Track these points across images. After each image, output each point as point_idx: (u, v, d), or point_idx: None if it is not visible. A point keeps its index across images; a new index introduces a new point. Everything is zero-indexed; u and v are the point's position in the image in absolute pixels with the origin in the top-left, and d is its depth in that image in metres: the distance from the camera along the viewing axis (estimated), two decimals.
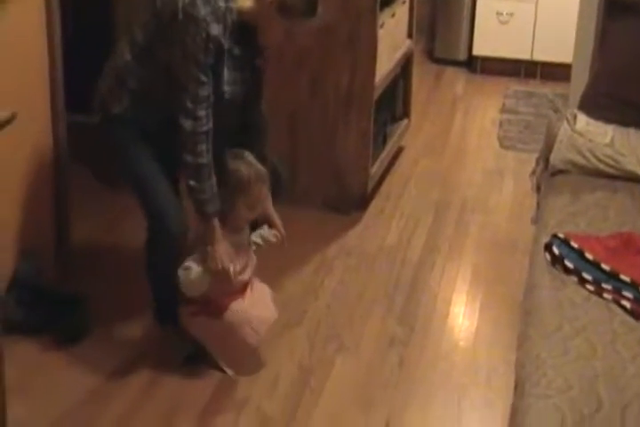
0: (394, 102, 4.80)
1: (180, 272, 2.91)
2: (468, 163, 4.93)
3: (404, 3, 4.62)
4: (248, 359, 3.10)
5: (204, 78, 2.73)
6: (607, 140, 3.36)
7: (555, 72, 5.94)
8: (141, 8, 2.97)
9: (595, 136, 3.38)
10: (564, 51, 5.12)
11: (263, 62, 3.02)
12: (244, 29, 2.82)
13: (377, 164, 4.35)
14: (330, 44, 4.03)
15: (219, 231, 2.87)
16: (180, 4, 2.71)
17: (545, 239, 2.85)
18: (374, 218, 4.22)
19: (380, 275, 3.73)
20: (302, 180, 4.17)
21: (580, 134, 3.40)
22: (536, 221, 3.33)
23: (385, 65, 4.29)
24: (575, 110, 3.57)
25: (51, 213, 3.49)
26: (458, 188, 4.60)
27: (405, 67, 4.83)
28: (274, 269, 3.23)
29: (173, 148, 2.84)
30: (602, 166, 3.32)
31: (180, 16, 2.70)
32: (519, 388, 2.26)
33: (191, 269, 2.90)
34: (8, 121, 2.67)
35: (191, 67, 2.72)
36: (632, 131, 3.42)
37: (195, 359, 3.11)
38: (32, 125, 3.30)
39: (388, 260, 3.85)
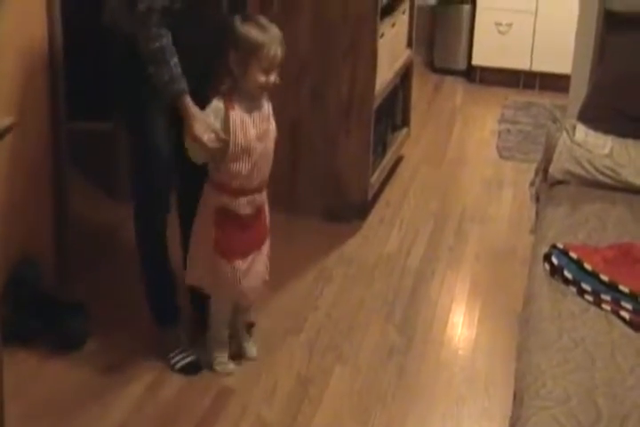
0: (393, 111, 4.81)
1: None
2: (467, 172, 4.94)
3: (403, 13, 4.64)
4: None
5: None
6: (606, 151, 3.37)
7: (553, 83, 5.95)
8: None
9: (593, 147, 3.39)
10: (562, 61, 5.13)
11: None
12: None
13: (377, 173, 4.36)
14: (330, 53, 4.04)
15: (192, 109, 2.77)
16: None
17: (544, 250, 2.86)
18: (374, 227, 4.23)
19: (379, 284, 3.73)
20: (303, 188, 4.17)
21: (579, 145, 3.41)
22: (535, 231, 3.33)
23: (385, 74, 4.30)
24: (574, 121, 3.58)
25: (50, 220, 3.49)
26: (457, 197, 4.61)
27: (405, 76, 4.84)
28: (273, 277, 3.23)
29: None
30: (601, 177, 3.33)
31: None
32: (518, 398, 2.26)
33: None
34: (8, 130, 2.67)
35: None
36: (630, 142, 3.42)
37: (194, 367, 3.11)
38: (32, 132, 3.31)
39: (387, 269, 3.85)
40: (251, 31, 2.76)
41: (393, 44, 4.45)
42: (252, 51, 2.75)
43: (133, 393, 3.00)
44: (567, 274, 2.70)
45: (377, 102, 4.18)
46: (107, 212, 4.16)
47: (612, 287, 2.61)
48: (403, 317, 3.50)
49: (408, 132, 4.99)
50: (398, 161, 4.89)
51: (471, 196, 4.62)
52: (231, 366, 3.12)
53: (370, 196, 4.27)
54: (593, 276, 2.67)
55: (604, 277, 2.65)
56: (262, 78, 2.79)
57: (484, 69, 6.31)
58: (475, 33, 6.25)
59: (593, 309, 2.57)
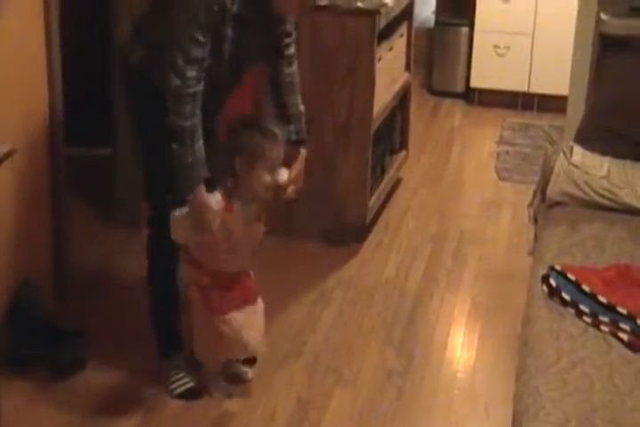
0: (392, 134, 4.82)
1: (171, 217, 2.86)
2: (465, 194, 4.95)
3: (401, 36, 4.66)
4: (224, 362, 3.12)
5: (201, 38, 2.64)
6: (603, 172, 3.38)
7: (551, 104, 5.96)
8: None
9: (591, 168, 3.40)
10: (560, 83, 5.14)
11: (289, 28, 2.98)
12: None
13: (375, 195, 4.36)
14: (328, 77, 4.06)
15: (204, 198, 2.75)
16: None
17: (542, 271, 2.86)
18: (373, 250, 4.23)
19: (378, 307, 3.73)
20: (301, 211, 4.18)
21: (577, 167, 3.42)
22: (533, 252, 3.33)
23: (383, 97, 4.32)
24: (571, 143, 3.59)
25: (49, 245, 3.50)
26: (456, 219, 4.61)
27: (403, 99, 4.86)
28: (272, 300, 3.23)
29: None
30: (598, 198, 3.33)
31: None
32: (517, 420, 2.26)
33: (179, 215, 2.84)
34: (6, 156, 2.68)
35: (190, 25, 2.63)
36: (628, 163, 3.43)
37: (192, 393, 3.10)
38: (30, 158, 3.32)
39: (386, 291, 3.85)
40: (254, 136, 2.82)
41: (391, 68, 4.47)
42: (257, 155, 2.81)
43: (133, 419, 2.99)
44: (565, 295, 2.70)
45: (375, 125, 4.20)
46: (106, 236, 4.16)
47: (610, 309, 2.61)
48: (402, 339, 3.49)
49: (406, 154, 5.00)
50: (397, 184, 4.90)
51: (470, 218, 4.62)
52: (230, 389, 3.12)
53: (368, 219, 4.27)
54: (591, 297, 2.67)
55: (602, 299, 2.65)
56: (267, 177, 2.84)
57: (482, 91, 6.33)
58: (473, 55, 6.27)
59: (591, 330, 2.57)
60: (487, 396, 3.15)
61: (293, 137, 3.03)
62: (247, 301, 3.02)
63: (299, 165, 3.03)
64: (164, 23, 2.76)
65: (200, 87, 2.70)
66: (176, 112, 2.67)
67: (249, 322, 3.01)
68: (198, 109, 2.70)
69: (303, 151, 3.06)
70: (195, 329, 3.05)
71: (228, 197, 2.83)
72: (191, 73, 2.66)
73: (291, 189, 2.98)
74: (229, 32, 2.74)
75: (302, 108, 3.09)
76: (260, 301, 3.07)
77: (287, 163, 2.96)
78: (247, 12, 2.74)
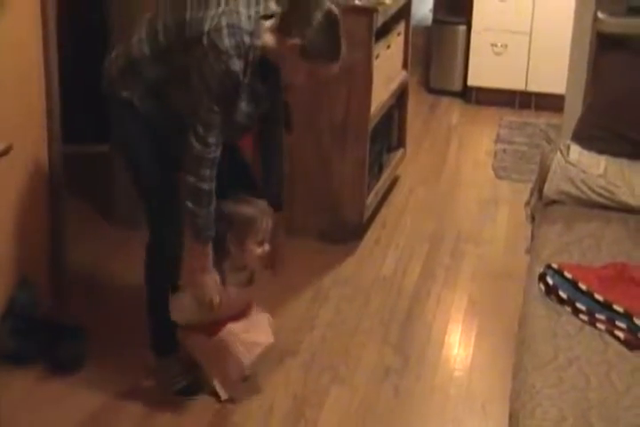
0: (389, 132, 4.83)
1: (171, 299, 2.92)
2: (463, 192, 4.95)
3: (399, 34, 4.66)
4: (241, 383, 3.10)
5: (215, 108, 2.68)
6: (600, 171, 3.38)
7: (549, 103, 5.97)
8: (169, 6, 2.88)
9: (588, 167, 3.41)
10: (557, 82, 5.16)
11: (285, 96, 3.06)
12: (267, 66, 2.78)
13: (372, 194, 4.37)
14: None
15: (210, 259, 2.85)
16: (206, 28, 2.66)
17: (539, 269, 2.86)
18: (370, 248, 4.23)
19: (375, 305, 3.73)
20: (298, 209, 4.18)
21: (574, 165, 3.42)
22: (530, 251, 3.34)
23: (380, 96, 4.32)
24: (568, 141, 3.60)
25: (46, 243, 3.50)
26: (453, 217, 4.62)
27: (401, 97, 4.86)
28: (269, 298, 3.23)
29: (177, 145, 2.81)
30: (595, 197, 3.34)
31: (205, 41, 2.65)
32: (514, 418, 2.26)
33: (179, 297, 2.92)
34: (4, 153, 2.68)
35: (204, 94, 2.68)
36: (625, 162, 3.44)
37: (190, 390, 3.10)
38: (27, 155, 3.32)
39: (383, 290, 3.86)
40: (242, 208, 2.90)
41: (388, 66, 4.47)
42: (247, 225, 2.89)
43: (131, 417, 2.99)
44: (562, 294, 2.70)
45: (372, 123, 4.20)
46: (103, 235, 4.16)
47: (606, 307, 2.62)
48: (399, 337, 3.50)
49: (404, 152, 5.01)
50: (394, 182, 4.90)
51: (467, 216, 4.63)
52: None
53: (365, 217, 4.28)
54: (588, 295, 2.67)
55: (599, 297, 2.65)
56: (258, 251, 2.92)
57: (479, 90, 6.34)
58: (470, 54, 6.29)
59: (588, 328, 2.57)
60: (484, 394, 3.15)
61: (273, 202, 3.07)
62: (239, 318, 3.05)
63: (278, 237, 3.10)
64: (168, 71, 2.81)
65: (219, 152, 2.75)
66: (196, 174, 2.73)
67: (247, 326, 3.04)
68: (215, 175, 2.76)
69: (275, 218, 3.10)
70: (205, 364, 3.08)
71: (220, 272, 2.90)
72: (211, 139, 2.71)
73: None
74: (243, 105, 2.79)
75: (285, 172, 3.16)
76: (253, 312, 3.10)
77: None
78: (257, 83, 2.78)
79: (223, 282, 2.90)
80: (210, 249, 2.84)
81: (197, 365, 3.11)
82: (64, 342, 3.24)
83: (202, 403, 3.07)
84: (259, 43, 2.72)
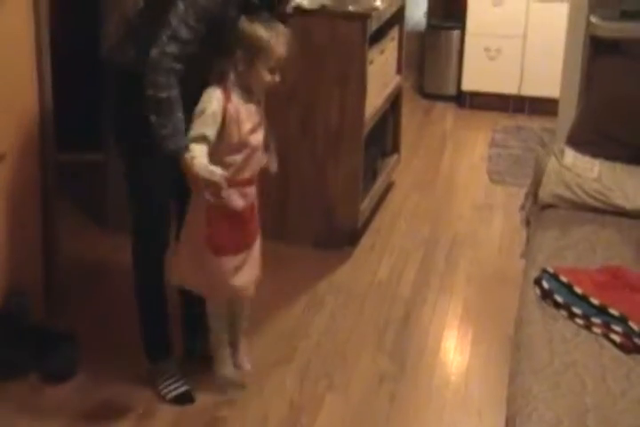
0: (383, 138, 4.83)
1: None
2: (457, 197, 4.95)
3: (393, 39, 4.67)
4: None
5: (192, 22, 2.64)
6: (594, 174, 3.38)
7: (542, 107, 5.98)
8: None
9: (582, 171, 3.40)
10: (551, 86, 5.17)
11: (288, 9, 3.00)
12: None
13: (367, 199, 4.36)
14: (319, 80, 4.06)
15: (194, 167, 2.68)
16: None
17: (534, 274, 2.86)
18: (365, 253, 4.22)
19: (370, 311, 3.72)
20: (293, 215, 4.17)
21: (568, 169, 3.42)
22: (526, 255, 3.33)
23: (374, 101, 4.32)
24: (563, 145, 3.60)
25: (39, 251, 3.48)
26: (448, 222, 4.61)
27: (395, 102, 4.86)
28: (264, 304, 3.22)
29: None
30: (590, 201, 3.34)
31: None
32: (510, 423, 2.25)
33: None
34: None
35: (185, 6, 2.63)
36: (619, 165, 3.44)
37: (186, 397, 3.09)
38: (20, 163, 3.31)
39: (378, 295, 3.85)
40: (258, 30, 2.74)
41: (382, 71, 4.47)
42: (260, 50, 2.74)
43: (125, 425, 2.97)
44: (558, 298, 2.70)
45: (367, 128, 4.20)
46: (97, 242, 4.15)
47: (602, 311, 2.61)
48: (394, 343, 3.49)
49: (398, 158, 5.00)
50: (389, 187, 4.90)
51: (462, 221, 4.62)
52: (235, 376, 3.07)
53: (360, 222, 4.27)
54: (583, 299, 2.67)
55: (595, 301, 2.64)
56: (268, 77, 2.79)
57: (473, 94, 6.35)
58: (464, 58, 6.30)
59: (584, 332, 2.56)
60: (480, 399, 3.14)
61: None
62: (247, 244, 2.94)
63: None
64: (160, 15, 2.73)
65: (178, 66, 2.67)
66: (152, 83, 2.66)
67: (242, 269, 2.93)
68: (175, 82, 2.67)
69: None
70: (181, 254, 2.95)
71: (226, 88, 2.77)
72: (171, 49, 2.64)
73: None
74: (234, 14, 2.72)
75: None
76: (258, 240, 3.00)
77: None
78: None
79: (228, 97, 2.76)
80: (187, 157, 2.69)
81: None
82: (57, 350, 3.22)
83: (196, 410, 3.05)
84: None
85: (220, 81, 2.78)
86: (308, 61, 4.03)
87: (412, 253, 4.23)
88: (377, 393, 3.17)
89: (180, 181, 2.89)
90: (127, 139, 2.96)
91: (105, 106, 3.01)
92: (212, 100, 2.74)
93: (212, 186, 2.71)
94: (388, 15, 4.41)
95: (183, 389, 3.10)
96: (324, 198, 4.19)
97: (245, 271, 2.95)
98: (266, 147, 2.99)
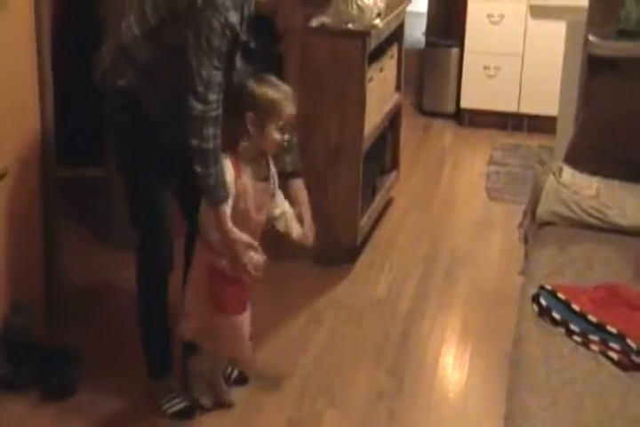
0: (383, 155, 4.84)
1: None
2: (456, 214, 4.96)
3: (391, 57, 4.69)
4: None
5: (217, 64, 2.69)
6: (592, 192, 3.40)
7: (541, 125, 6.00)
8: None
9: (580, 188, 3.42)
10: (549, 104, 5.20)
11: (282, 47, 3.05)
12: (261, 22, 2.79)
13: (366, 216, 4.37)
14: (318, 97, 4.08)
15: (228, 219, 2.81)
16: None
17: (532, 291, 2.87)
18: (364, 270, 4.23)
19: (369, 327, 3.73)
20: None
21: (566, 187, 3.44)
22: (524, 272, 3.35)
23: (374, 118, 4.34)
24: (561, 163, 3.62)
25: (41, 267, 3.49)
26: (446, 239, 4.62)
27: (394, 119, 4.88)
28: (264, 321, 3.23)
29: (172, 136, 2.82)
30: (588, 218, 3.35)
31: (199, 2, 2.66)
32: None
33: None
34: (0, 177, 2.69)
35: (206, 52, 2.67)
36: (616, 183, 3.45)
37: (186, 413, 3.10)
38: (22, 179, 3.32)
39: (377, 312, 3.85)
40: (267, 92, 2.84)
41: (381, 88, 4.49)
42: (270, 110, 2.83)
43: None
44: (555, 315, 2.71)
45: (366, 146, 4.22)
46: (99, 259, 4.16)
47: (600, 328, 2.62)
48: (393, 360, 3.49)
49: (397, 175, 5.02)
50: (388, 204, 4.92)
51: (460, 238, 4.64)
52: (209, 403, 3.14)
53: (359, 239, 4.28)
54: (581, 316, 2.68)
55: (592, 318, 2.66)
56: (278, 136, 2.87)
57: (472, 112, 6.37)
58: (463, 76, 6.31)
59: (581, 349, 2.57)
60: (479, 416, 3.15)
61: (289, 168, 3.08)
62: (243, 305, 3.01)
63: (304, 202, 3.14)
64: (159, 51, 2.82)
65: (220, 110, 2.74)
66: (199, 135, 2.72)
67: (243, 327, 3.01)
68: (219, 132, 2.75)
69: (299, 183, 3.12)
70: (190, 311, 3.01)
71: (237, 160, 2.85)
72: (212, 97, 2.71)
73: (307, 233, 3.14)
74: (237, 61, 2.80)
75: (296, 139, 3.13)
76: (248, 310, 3.07)
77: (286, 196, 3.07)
78: (252, 39, 2.80)
79: (239, 174, 2.84)
80: (226, 210, 2.80)
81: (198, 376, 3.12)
82: (58, 367, 3.22)
83: (198, 425, 3.06)
84: None
85: (231, 151, 2.86)
86: (307, 79, 4.05)
87: (411, 270, 4.25)
88: (376, 409, 3.18)
89: (182, 195, 2.92)
90: (124, 157, 3.01)
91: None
92: (226, 170, 2.81)
93: (247, 249, 2.83)
94: (387, 33, 4.43)
95: (184, 404, 3.11)
96: (324, 215, 4.18)
97: (246, 331, 3.03)
98: (300, 220, 3.11)
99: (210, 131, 2.72)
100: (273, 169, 2.99)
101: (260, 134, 2.85)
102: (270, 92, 2.83)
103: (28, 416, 3.09)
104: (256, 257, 2.86)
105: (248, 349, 3.07)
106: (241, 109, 2.81)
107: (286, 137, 2.94)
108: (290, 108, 2.87)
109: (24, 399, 3.16)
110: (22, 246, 3.36)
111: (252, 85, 2.83)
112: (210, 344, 3.04)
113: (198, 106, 2.70)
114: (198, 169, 2.73)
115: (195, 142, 2.72)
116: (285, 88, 2.89)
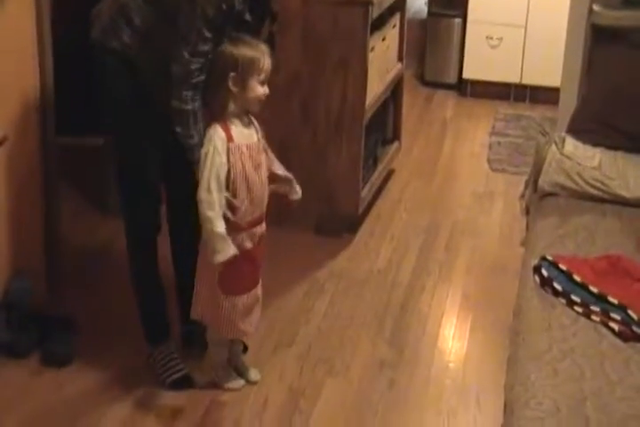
0: (384, 125, 4.82)
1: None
2: (458, 185, 4.95)
3: (394, 26, 4.66)
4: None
5: (207, 34, 2.72)
6: (595, 163, 3.39)
7: (543, 96, 5.98)
8: None
9: (583, 159, 3.41)
10: (552, 75, 5.17)
11: (276, 27, 3.06)
12: None
13: (367, 186, 4.36)
14: (320, 67, 4.06)
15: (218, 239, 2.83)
16: None
17: (534, 262, 2.87)
18: (365, 241, 4.23)
19: (370, 298, 3.73)
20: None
21: (569, 158, 3.43)
22: (525, 243, 3.34)
23: (375, 88, 4.32)
24: (563, 134, 3.60)
25: (41, 235, 3.49)
26: (448, 210, 4.62)
27: (396, 90, 4.86)
28: (265, 291, 3.22)
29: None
30: (590, 189, 3.34)
31: None
32: (508, 410, 2.27)
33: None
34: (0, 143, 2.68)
35: (198, 20, 2.71)
36: (619, 154, 3.45)
37: (185, 381, 3.10)
38: (21, 147, 3.31)
39: (378, 283, 3.86)
40: (246, 51, 2.86)
41: (383, 58, 4.46)
42: (250, 66, 2.86)
43: (124, 409, 2.99)
44: (557, 286, 2.71)
45: (367, 116, 4.20)
46: (98, 227, 4.16)
47: (601, 299, 2.62)
48: (393, 330, 3.50)
49: (399, 145, 5.00)
50: (389, 175, 4.90)
51: (462, 209, 4.63)
52: (241, 381, 3.13)
53: (360, 210, 4.27)
54: (582, 287, 2.68)
55: (594, 289, 2.66)
56: (261, 90, 2.90)
57: (474, 83, 6.33)
58: (465, 47, 6.28)
59: (582, 320, 2.58)
60: (478, 386, 3.15)
61: (296, 197, 3.16)
62: (255, 281, 3.03)
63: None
64: (157, 13, 2.81)
65: (202, 77, 2.78)
66: (178, 97, 2.77)
67: (249, 306, 3.02)
68: (199, 95, 2.80)
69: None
70: (198, 291, 3.02)
71: (226, 125, 2.87)
72: (195, 65, 2.75)
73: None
74: (230, 31, 2.81)
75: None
76: (260, 283, 3.07)
77: None
78: (247, 11, 2.81)
79: (230, 137, 2.86)
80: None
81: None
82: (58, 334, 3.24)
83: (196, 395, 3.07)
84: None
85: (220, 116, 2.88)
86: (309, 48, 4.03)
87: (412, 241, 4.24)
88: (376, 379, 3.19)
89: (167, 164, 2.93)
90: (113, 118, 3.02)
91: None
92: (216, 140, 2.84)
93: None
94: (389, 2, 4.40)
95: (183, 373, 3.11)
96: (325, 185, 4.19)
97: (255, 313, 3.06)
98: (283, 177, 3.11)
99: (189, 93, 2.77)
100: (257, 126, 3.00)
101: (244, 92, 2.87)
102: (249, 51, 2.86)
103: (27, 382, 3.10)
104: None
105: (251, 330, 3.08)
106: (223, 72, 2.83)
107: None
108: (268, 62, 2.90)
109: (24, 365, 3.17)
110: (22, 213, 3.36)
111: (229, 47, 2.84)
112: (214, 325, 3.04)
113: (179, 70, 2.74)
114: (178, 129, 2.80)
115: (174, 104, 2.78)
116: (260, 45, 2.90)
